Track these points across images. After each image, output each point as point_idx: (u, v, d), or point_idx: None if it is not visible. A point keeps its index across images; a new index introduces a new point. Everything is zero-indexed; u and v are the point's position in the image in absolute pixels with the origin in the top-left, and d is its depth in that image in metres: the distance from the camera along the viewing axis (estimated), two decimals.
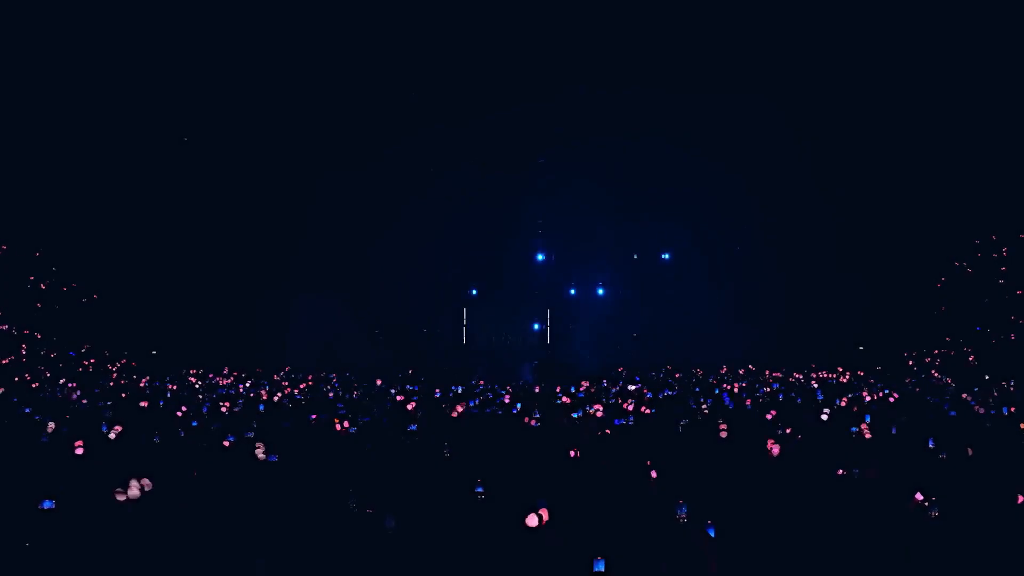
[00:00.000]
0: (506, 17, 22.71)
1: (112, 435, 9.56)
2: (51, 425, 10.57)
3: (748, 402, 14.16)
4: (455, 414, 12.10)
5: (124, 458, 8.74)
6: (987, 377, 20.03)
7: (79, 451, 8.80)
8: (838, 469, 7.33)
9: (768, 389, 17.17)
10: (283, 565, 5.57)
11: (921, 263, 25.70)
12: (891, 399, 14.79)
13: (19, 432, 10.59)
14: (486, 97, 25.03)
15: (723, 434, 9.59)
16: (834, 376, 21.71)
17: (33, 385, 20.06)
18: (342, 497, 6.64)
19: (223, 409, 13.77)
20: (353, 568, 5.68)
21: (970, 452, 8.42)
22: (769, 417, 11.03)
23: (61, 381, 20.21)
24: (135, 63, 22.57)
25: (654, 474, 7.39)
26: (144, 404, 13.91)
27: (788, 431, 9.87)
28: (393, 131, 26.08)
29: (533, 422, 11.50)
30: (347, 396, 17.14)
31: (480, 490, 6.96)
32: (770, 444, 8.43)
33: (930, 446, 8.69)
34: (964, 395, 15.48)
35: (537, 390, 18.17)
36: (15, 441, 9.95)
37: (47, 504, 6.18)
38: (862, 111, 24.01)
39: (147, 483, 6.57)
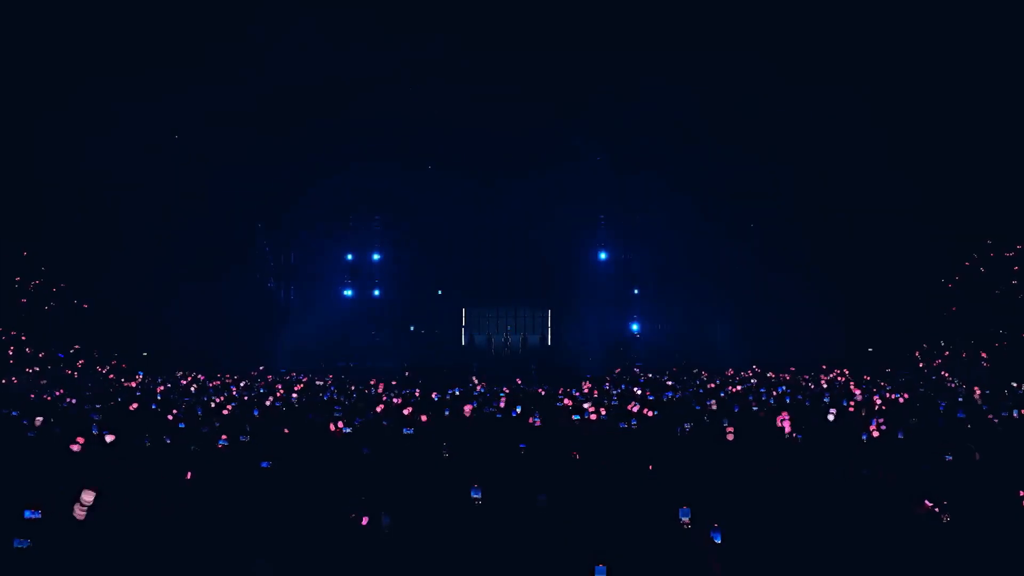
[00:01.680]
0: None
1: (108, 439, 9.39)
2: (39, 420, 10.45)
3: (754, 406, 13.94)
4: (468, 413, 12.01)
5: (115, 461, 8.64)
6: (981, 382, 19.75)
7: (76, 448, 8.69)
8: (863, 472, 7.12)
9: (775, 393, 16.92)
10: (280, 568, 5.44)
11: (930, 263, 25.50)
12: (901, 400, 14.59)
13: (6, 434, 10.47)
14: (487, 92, 24.91)
15: (729, 436, 9.41)
16: (842, 378, 21.47)
17: (14, 380, 19.97)
18: (339, 500, 6.56)
19: (224, 412, 13.62)
20: (350, 571, 5.60)
21: (977, 456, 8.24)
22: (782, 420, 10.78)
23: (43, 382, 20.08)
24: (129, 63, 22.50)
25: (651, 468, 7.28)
26: (133, 407, 13.72)
27: (792, 433, 9.70)
28: (388, 128, 26.02)
29: (536, 423, 11.35)
30: (343, 398, 16.99)
31: (477, 494, 6.79)
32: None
33: (947, 460, 8.46)
34: (976, 396, 15.26)
35: (541, 392, 17.99)
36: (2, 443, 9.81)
37: (31, 514, 5.98)
38: (869, 108, 23.87)
39: (89, 497, 6.32)
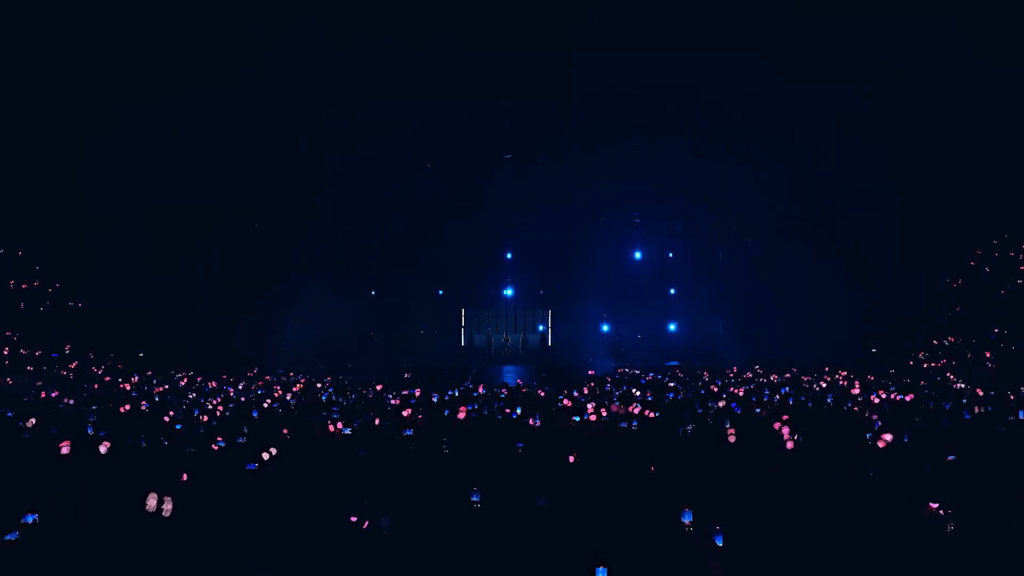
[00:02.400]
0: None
1: (102, 449, 9.28)
2: (32, 421, 10.42)
3: (756, 407, 13.84)
4: (461, 415, 11.94)
5: (111, 463, 8.58)
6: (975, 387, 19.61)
7: (65, 450, 8.61)
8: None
9: (778, 394, 16.81)
10: (278, 570, 5.42)
11: (936, 263, 25.43)
12: (906, 399, 14.50)
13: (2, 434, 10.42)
14: (486, 89, 24.86)
15: (731, 439, 9.30)
16: (845, 382, 21.35)
17: (9, 381, 19.89)
18: (338, 502, 6.53)
19: (217, 413, 13.56)
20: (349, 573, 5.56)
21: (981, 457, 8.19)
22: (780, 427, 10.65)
23: (39, 383, 19.99)
24: (125, 62, 22.45)
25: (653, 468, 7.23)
26: (124, 409, 13.63)
27: (794, 435, 9.60)
28: (387, 126, 25.97)
29: (536, 423, 11.27)
30: (341, 400, 16.91)
31: (476, 498, 6.74)
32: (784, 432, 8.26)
33: (950, 459, 8.37)
34: (977, 404, 15.13)
35: (542, 393, 17.88)
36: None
37: (29, 518, 5.93)
38: (875, 110, 23.85)
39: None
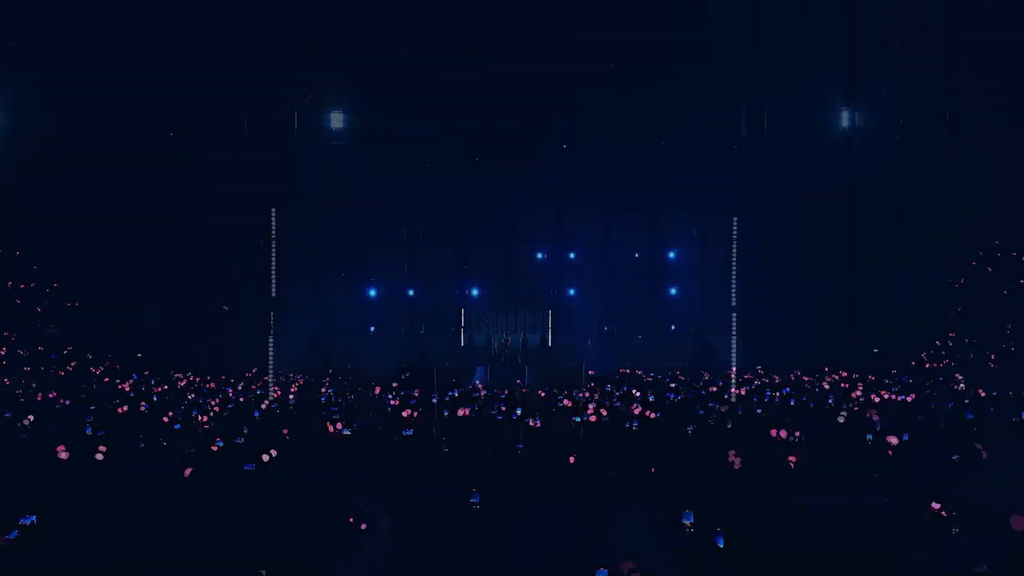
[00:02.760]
0: None
1: (99, 456, 9.24)
2: (30, 417, 10.40)
3: (758, 409, 13.80)
4: (462, 413, 11.94)
5: (111, 463, 8.58)
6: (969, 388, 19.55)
7: (63, 455, 8.58)
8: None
9: (779, 394, 16.76)
10: (278, 570, 5.37)
11: (938, 263, 25.32)
12: (908, 399, 14.47)
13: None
14: (486, 87, 24.84)
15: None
16: (847, 383, 21.28)
17: (7, 382, 19.84)
18: (337, 503, 6.48)
19: (213, 412, 13.53)
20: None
21: (984, 455, 8.15)
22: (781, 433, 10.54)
23: (35, 385, 19.93)
24: (120, 59, 22.38)
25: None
26: (121, 410, 13.58)
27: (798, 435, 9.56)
28: (386, 126, 25.92)
29: (536, 424, 11.24)
30: (340, 400, 16.89)
31: (476, 500, 6.70)
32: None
33: (954, 459, 8.33)
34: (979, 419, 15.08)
35: (542, 394, 17.84)
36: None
37: (27, 520, 5.89)
38: (876, 110, 23.78)
39: None
